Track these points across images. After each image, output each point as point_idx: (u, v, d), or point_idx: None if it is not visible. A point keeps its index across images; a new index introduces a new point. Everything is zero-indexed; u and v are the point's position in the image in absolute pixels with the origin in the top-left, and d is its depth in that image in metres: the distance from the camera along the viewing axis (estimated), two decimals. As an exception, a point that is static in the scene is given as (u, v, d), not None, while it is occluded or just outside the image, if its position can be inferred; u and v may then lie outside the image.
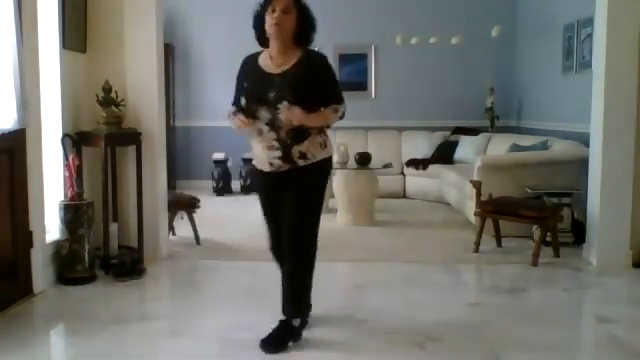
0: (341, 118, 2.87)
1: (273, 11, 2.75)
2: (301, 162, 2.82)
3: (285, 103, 2.71)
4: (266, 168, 2.88)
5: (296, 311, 2.93)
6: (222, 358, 2.79)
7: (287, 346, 2.84)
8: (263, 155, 2.86)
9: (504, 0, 7.97)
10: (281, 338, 2.86)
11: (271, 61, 2.85)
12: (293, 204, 2.84)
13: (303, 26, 2.81)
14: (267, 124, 2.79)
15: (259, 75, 2.84)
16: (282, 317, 2.95)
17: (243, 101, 2.83)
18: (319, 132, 2.87)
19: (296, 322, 2.93)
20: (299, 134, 2.79)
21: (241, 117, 2.78)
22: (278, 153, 2.81)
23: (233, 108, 2.92)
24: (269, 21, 2.76)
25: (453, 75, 8.00)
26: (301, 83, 2.76)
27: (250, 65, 2.91)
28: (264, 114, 2.78)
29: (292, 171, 2.83)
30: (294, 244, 2.86)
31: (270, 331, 2.89)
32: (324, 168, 2.94)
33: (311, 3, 2.92)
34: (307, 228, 2.87)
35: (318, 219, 2.92)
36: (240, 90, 2.90)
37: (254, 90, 2.82)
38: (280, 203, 2.89)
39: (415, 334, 3.03)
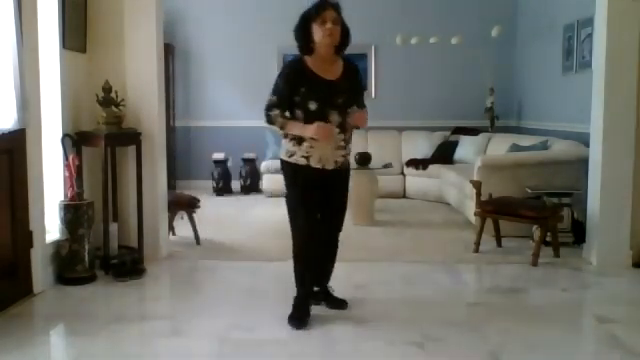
0: None
1: (323, 22, 3.04)
2: (348, 158, 3.28)
3: (354, 107, 3.18)
4: (330, 166, 3.16)
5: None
6: (222, 358, 2.79)
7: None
8: (331, 155, 3.14)
9: (504, 0, 7.97)
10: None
11: (324, 68, 3.14)
12: (343, 194, 3.33)
13: (345, 37, 3.14)
14: (337, 126, 3.11)
15: (319, 81, 3.11)
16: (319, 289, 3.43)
17: (314, 106, 3.06)
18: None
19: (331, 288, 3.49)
20: (351, 135, 3.25)
21: (327, 125, 3.05)
22: (344, 152, 3.21)
23: (277, 112, 3.12)
24: (322, 31, 3.04)
25: (453, 75, 8.00)
26: (354, 89, 3.24)
27: (301, 71, 3.13)
28: (335, 118, 3.11)
29: (345, 167, 3.29)
30: (340, 227, 3.35)
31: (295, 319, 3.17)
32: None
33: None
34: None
35: None
36: (292, 94, 3.10)
37: (324, 95, 3.09)
38: (324, 196, 3.20)
39: (415, 334, 3.03)
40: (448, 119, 7.92)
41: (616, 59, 4.21)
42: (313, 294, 3.39)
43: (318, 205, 3.21)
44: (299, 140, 3.12)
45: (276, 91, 3.15)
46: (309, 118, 3.06)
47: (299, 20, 3.12)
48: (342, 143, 3.17)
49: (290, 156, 3.17)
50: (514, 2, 7.96)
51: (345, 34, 3.13)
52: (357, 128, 3.29)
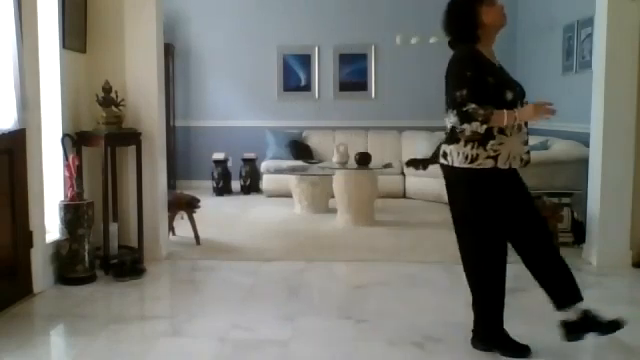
0: None
1: (492, 4, 2.76)
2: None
3: (526, 98, 2.77)
4: (517, 164, 2.74)
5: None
6: (222, 358, 2.79)
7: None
8: (519, 150, 2.72)
9: (504, 0, 7.95)
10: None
11: (492, 55, 2.83)
12: (530, 197, 2.86)
13: None
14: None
15: (497, 71, 2.78)
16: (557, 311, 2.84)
17: (510, 95, 2.69)
18: None
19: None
20: None
21: (545, 101, 2.70)
22: (527, 147, 2.79)
23: (473, 105, 2.60)
24: (496, 11, 2.76)
25: (453, 75, 7.99)
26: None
27: (482, 60, 2.75)
28: (520, 108, 2.70)
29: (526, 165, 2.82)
30: (550, 238, 2.87)
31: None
32: None
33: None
34: None
35: None
36: (483, 86, 2.66)
37: (511, 85, 2.75)
38: (515, 203, 2.79)
39: (415, 334, 3.03)
40: (448, 119, 7.91)
41: (616, 59, 4.21)
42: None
43: (513, 217, 2.78)
44: (483, 139, 2.65)
45: (464, 84, 2.63)
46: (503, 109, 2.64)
47: (458, 6, 2.80)
48: (527, 137, 2.78)
49: (472, 161, 2.67)
50: (514, 2, 7.95)
51: None
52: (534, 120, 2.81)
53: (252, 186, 7.90)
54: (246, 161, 7.92)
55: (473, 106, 2.59)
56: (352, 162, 6.02)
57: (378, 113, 8.08)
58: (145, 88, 4.34)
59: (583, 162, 4.73)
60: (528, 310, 3.49)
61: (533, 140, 5.93)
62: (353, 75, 8.20)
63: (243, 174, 7.91)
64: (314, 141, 7.97)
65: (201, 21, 8.21)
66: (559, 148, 5.44)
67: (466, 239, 2.84)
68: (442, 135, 8.27)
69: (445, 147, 2.80)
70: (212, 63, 8.26)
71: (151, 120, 4.37)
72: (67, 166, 3.90)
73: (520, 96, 2.76)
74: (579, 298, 2.77)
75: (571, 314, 2.78)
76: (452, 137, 2.74)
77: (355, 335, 3.08)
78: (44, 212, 3.73)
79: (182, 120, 8.27)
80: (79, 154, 4.03)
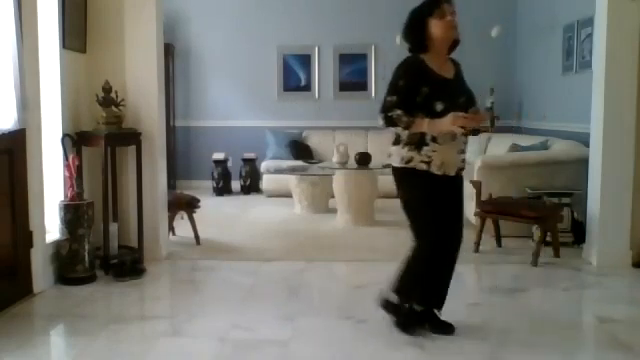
0: None
1: (443, 15, 2.88)
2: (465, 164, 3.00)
3: (474, 108, 2.89)
4: (452, 172, 2.90)
5: None
6: (222, 358, 2.79)
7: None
8: (453, 159, 2.89)
9: (504, 0, 7.97)
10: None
11: (442, 66, 2.94)
12: (462, 202, 3.09)
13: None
14: (462, 127, 2.79)
15: (441, 80, 2.89)
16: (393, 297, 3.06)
17: (440, 106, 2.81)
18: None
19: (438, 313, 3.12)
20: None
21: (465, 115, 2.77)
22: (464, 156, 2.96)
23: (400, 112, 2.80)
24: (444, 25, 2.89)
25: (453, 75, 7.99)
26: (468, 88, 3.00)
27: (422, 69, 2.89)
28: None
29: (461, 173, 3.00)
30: (460, 241, 3.10)
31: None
32: None
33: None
34: None
35: None
36: (413, 94, 2.83)
37: (446, 95, 2.86)
38: (443, 206, 2.95)
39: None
40: (448, 119, 7.92)
41: (616, 59, 4.21)
42: (422, 313, 3.08)
43: (440, 215, 2.95)
44: (418, 144, 2.85)
45: (395, 91, 2.85)
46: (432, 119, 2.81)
47: (411, 16, 3.00)
48: (464, 147, 2.94)
49: (407, 162, 2.89)
50: (514, 2, 7.95)
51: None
52: (475, 133, 2.98)
53: (252, 186, 7.90)
54: (246, 161, 7.93)
55: (398, 112, 2.80)
56: (352, 162, 6.02)
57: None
58: (145, 88, 4.34)
59: (583, 162, 4.73)
60: (528, 310, 3.49)
61: (533, 140, 5.97)
62: (353, 75, 8.19)
63: (243, 174, 7.91)
64: (314, 141, 7.97)
65: (201, 21, 8.21)
66: (559, 148, 5.44)
67: (412, 221, 3.05)
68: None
69: (389, 148, 3.02)
70: (212, 63, 8.26)
71: (151, 120, 4.37)
72: (67, 166, 3.90)
73: (464, 105, 2.86)
74: (440, 306, 3.08)
75: (411, 307, 3.04)
76: (395, 139, 2.97)
77: (355, 335, 3.08)
78: (44, 212, 3.73)
79: (182, 120, 8.27)
80: (79, 154, 4.03)
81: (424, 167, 2.86)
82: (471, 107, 2.88)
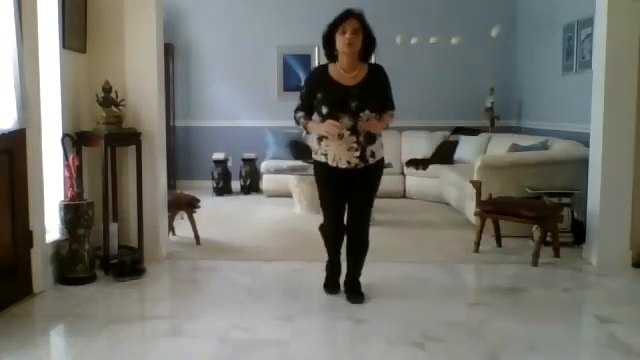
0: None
1: (344, 32, 3.27)
2: (371, 160, 3.40)
3: (367, 112, 3.29)
4: (343, 165, 3.39)
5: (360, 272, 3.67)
6: (222, 358, 2.79)
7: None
8: (343, 155, 3.36)
9: (504, 0, 7.97)
10: (359, 291, 3.60)
11: (344, 75, 3.35)
12: (366, 193, 3.46)
13: (368, 45, 3.36)
14: (349, 129, 3.30)
15: (335, 87, 3.34)
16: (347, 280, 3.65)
17: (325, 110, 3.31)
18: (379, 135, 3.47)
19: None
20: (371, 137, 3.38)
21: (335, 123, 3.25)
22: (357, 153, 3.36)
23: (301, 114, 3.46)
24: (342, 41, 3.27)
25: (453, 75, 8.00)
26: (375, 94, 3.36)
27: (322, 77, 3.40)
28: (347, 121, 3.29)
29: (364, 167, 3.39)
30: (365, 220, 3.51)
31: (345, 295, 3.60)
32: (383, 163, 3.55)
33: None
34: (371, 208, 3.56)
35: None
36: (311, 99, 3.39)
37: (336, 100, 3.30)
38: (346, 193, 3.44)
39: (415, 334, 3.03)
40: (448, 119, 7.92)
41: (616, 59, 4.21)
42: (336, 284, 3.70)
43: (338, 201, 3.47)
44: (320, 139, 3.43)
45: (301, 95, 3.50)
46: (323, 121, 3.33)
47: (326, 29, 3.36)
48: (354, 145, 3.33)
49: (315, 153, 3.51)
50: (514, 2, 7.96)
51: (370, 42, 3.35)
52: (372, 134, 3.39)
53: (252, 186, 7.90)
54: (246, 161, 7.92)
55: (301, 114, 3.47)
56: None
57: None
58: (145, 88, 4.34)
59: (583, 162, 4.73)
60: (528, 310, 3.49)
61: (533, 140, 5.98)
62: (353, 75, 8.19)
63: (243, 174, 7.91)
64: (314, 141, 7.96)
65: (201, 21, 8.21)
66: (559, 148, 5.44)
67: (321, 206, 3.57)
68: (442, 135, 8.35)
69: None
70: (212, 63, 8.26)
71: (151, 120, 4.37)
72: (67, 166, 3.90)
73: (355, 110, 3.27)
74: (337, 277, 3.73)
75: None
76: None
77: (355, 335, 3.08)
78: (44, 212, 3.73)
79: (182, 120, 8.27)
80: (79, 154, 4.03)
81: (323, 159, 3.43)
82: (362, 111, 3.28)
